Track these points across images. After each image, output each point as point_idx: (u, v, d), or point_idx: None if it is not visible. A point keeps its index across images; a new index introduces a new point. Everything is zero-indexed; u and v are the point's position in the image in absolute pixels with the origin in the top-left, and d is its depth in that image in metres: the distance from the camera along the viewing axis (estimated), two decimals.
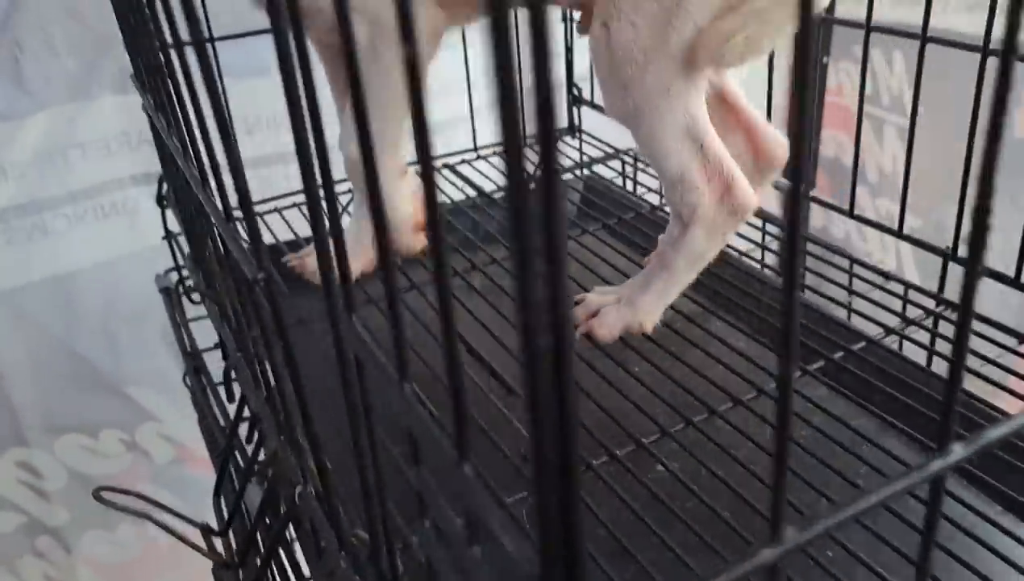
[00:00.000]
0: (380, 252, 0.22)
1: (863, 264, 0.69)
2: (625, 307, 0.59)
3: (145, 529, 1.15)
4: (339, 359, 0.29)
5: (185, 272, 0.83)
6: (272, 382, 0.45)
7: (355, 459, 0.31)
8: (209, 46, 0.43)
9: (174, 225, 0.81)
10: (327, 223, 0.27)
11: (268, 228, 0.79)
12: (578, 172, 0.94)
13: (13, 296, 0.99)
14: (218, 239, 0.40)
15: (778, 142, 0.62)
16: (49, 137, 0.97)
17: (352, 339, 0.27)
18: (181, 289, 0.84)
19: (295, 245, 0.77)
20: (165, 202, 0.78)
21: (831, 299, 0.67)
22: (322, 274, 0.28)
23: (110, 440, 1.09)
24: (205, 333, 0.79)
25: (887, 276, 0.67)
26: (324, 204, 0.27)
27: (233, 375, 0.58)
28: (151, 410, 1.10)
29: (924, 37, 0.57)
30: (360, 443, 0.30)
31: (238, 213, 0.35)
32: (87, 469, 1.08)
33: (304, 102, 0.25)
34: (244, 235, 0.34)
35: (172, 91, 0.39)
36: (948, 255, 0.58)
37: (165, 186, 0.77)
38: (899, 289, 0.63)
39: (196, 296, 0.82)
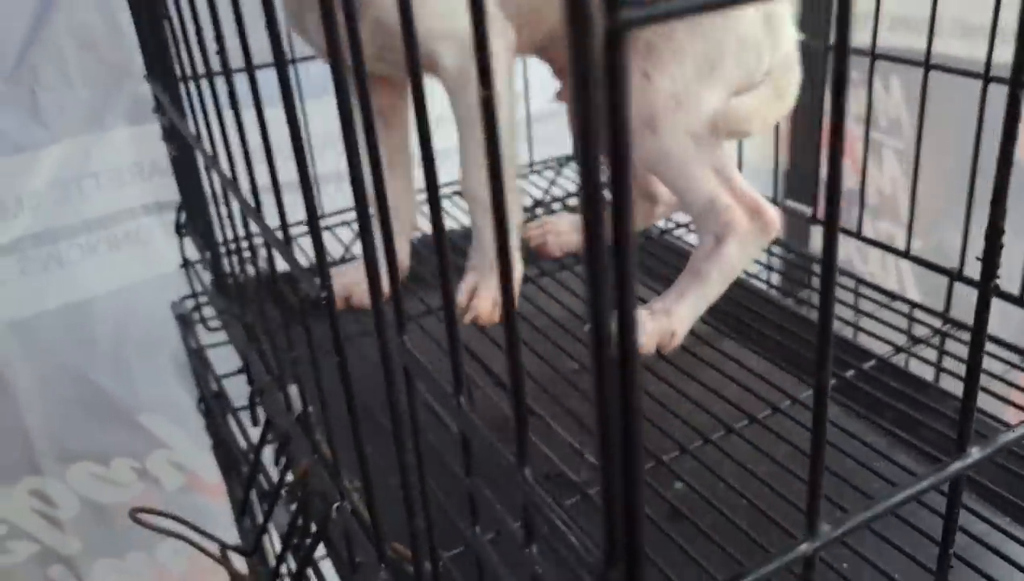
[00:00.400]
0: (442, 278, 0.24)
1: (868, 284, 0.71)
2: (661, 316, 0.61)
3: (155, 557, 1.16)
4: (387, 375, 0.30)
5: (202, 299, 0.85)
6: (307, 403, 0.47)
7: (400, 473, 0.32)
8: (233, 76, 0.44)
9: (190, 253, 0.83)
10: (379, 243, 0.28)
11: (301, 250, 0.81)
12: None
13: (28, 325, 1.00)
14: (263, 261, 0.41)
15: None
16: (64, 167, 0.99)
17: (402, 353, 0.28)
18: (198, 316, 0.85)
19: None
20: (183, 230, 0.80)
21: (838, 318, 0.69)
22: (371, 291, 0.29)
23: (121, 468, 1.10)
24: (220, 360, 0.80)
25: (892, 296, 0.69)
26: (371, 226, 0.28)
27: (258, 399, 0.60)
28: (162, 438, 1.11)
29: (927, 65, 0.59)
30: (406, 457, 0.31)
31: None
32: (99, 497, 1.09)
33: (363, 137, 0.26)
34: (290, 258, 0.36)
35: (218, 118, 0.40)
36: (954, 275, 0.60)
37: (183, 215, 0.79)
38: (904, 308, 0.65)
39: (213, 323, 0.83)
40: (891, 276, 1.64)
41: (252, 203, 0.39)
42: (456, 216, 0.88)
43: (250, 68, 0.37)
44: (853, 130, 1.66)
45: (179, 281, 1.01)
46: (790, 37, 0.61)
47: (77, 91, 0.98)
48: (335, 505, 0.40)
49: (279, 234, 0.35)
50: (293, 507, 0.51)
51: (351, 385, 0.35)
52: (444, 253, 0.26)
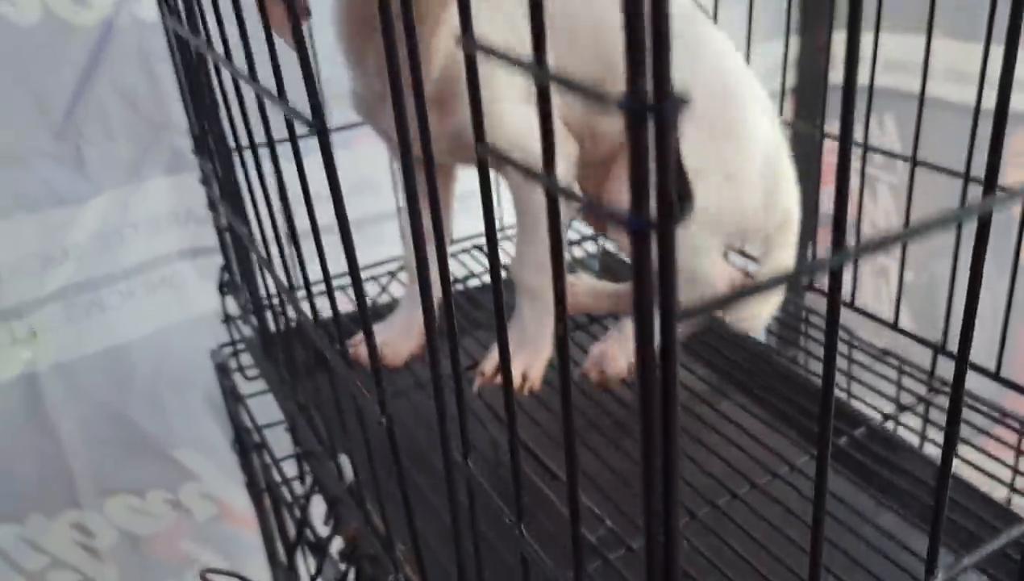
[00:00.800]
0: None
1: (861, 347, 0.77)
2: (626, 341, 0.68)
3: None
4: (450, 495, 0.36)
5: (240, 346, 0.90)
6: (358, 473, 0.52)
7: (454, 538, 0.38)
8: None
9: (231, 308, 0.89)
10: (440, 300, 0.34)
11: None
12: (595, 247, 1.03)
13: (71, 368, 1.06)
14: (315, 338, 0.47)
15: None
16: (106, 218, 1.05)
17: (465, 472, 0.35)
18: (236, 364, 0.91)
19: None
20: (225, 289, 0.86)
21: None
22: (439, 416, 0.35)
23: (156, 500, 1.16)
24: (258, 407, 0.86)
25: (885, 352, 0.75)
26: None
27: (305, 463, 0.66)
28: (194, 470, 1.17)
29: (921, 101, 0.65)
30: (459, 525, 0.37)
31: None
32: (135, 528, 1.15)
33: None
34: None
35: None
36: (938, 348, 0.66)
37: (227, 275, 0.85)
38: (893, 373, 0.71)
39: (251, 372, 0.89)
40: (885, 306, 1.71)
41: (289, 282, 0.46)
42: (472, 267, 0.95)
43: (294, 139, 0.41)
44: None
45: (212, 322, 1.08)
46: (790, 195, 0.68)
47: (119, 145, 1.04)
48: (389, 579, 0.46)
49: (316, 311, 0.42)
50: (341, 565, 0.57)
51: (402, 468, 0.41)
52: (511, 410, 0.32)
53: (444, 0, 0.54)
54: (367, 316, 0.40)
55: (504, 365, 0.32)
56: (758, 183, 0.64)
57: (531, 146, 0.61)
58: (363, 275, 0.93)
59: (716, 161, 0.62)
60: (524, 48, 0.22)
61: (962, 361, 0.34)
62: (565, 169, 0.61)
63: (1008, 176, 1.27)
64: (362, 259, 0.94)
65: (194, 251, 1.11)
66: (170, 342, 1.12)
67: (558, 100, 0.59)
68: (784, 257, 0.68)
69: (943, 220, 0.23)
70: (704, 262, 0.65)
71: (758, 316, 0.68)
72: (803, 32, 1.41)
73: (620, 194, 0.64)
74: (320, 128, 0.36)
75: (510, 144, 0.57)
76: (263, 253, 0.57)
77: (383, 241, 1.10)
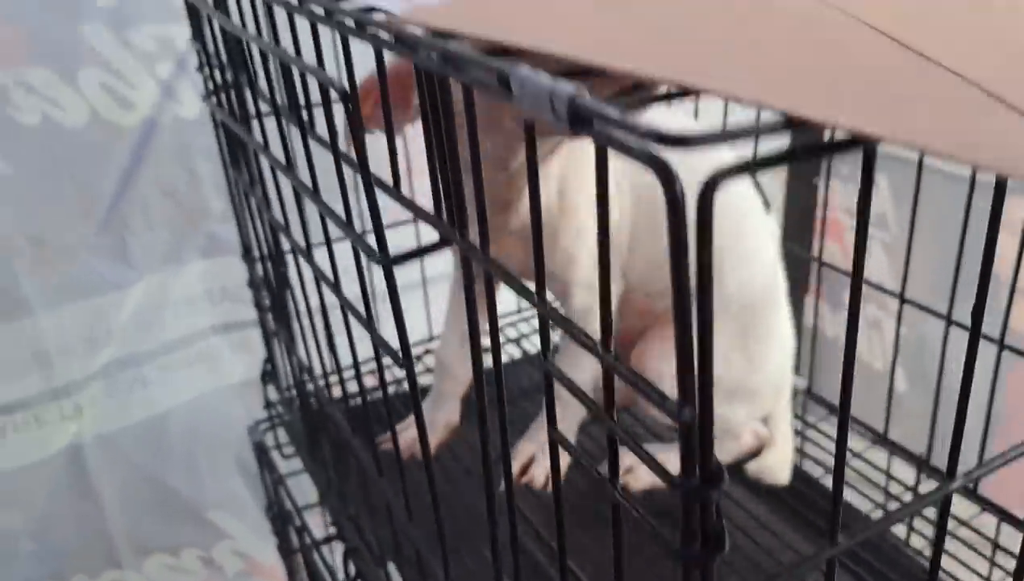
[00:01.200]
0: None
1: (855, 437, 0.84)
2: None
3: None
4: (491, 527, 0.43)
5: (277, 421, 0.97)
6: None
7: None
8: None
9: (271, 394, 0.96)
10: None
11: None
12: None
13: (112, 438, 1.13)
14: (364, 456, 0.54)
15: None
16: (147, 300, 1.12)
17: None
18: (273, 441, 0.98)
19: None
20: (267, 378, 0.93)
21: (819, 463, 0.83)
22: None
23: (190, 558, 1.23)
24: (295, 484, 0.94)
25: (876, 434, 0.82)
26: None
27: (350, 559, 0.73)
28: (226, 529, 1.24)
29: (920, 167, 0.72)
30: None
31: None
32: None
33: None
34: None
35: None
36: (922, 461, 0.73)
37: (270, 365, 0.92)
38: (881, 475, 0.78)
39: (287, 450, 0.97)
40: (878, 361, 1.78)
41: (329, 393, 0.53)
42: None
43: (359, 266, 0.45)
44: (844, 221, 1.81)
45: (243, 390, 1.16)
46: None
47: (159, 233, 1.11)
48: None
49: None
50: None
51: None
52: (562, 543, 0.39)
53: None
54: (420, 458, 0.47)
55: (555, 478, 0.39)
56: (775, 372, 0.74)
57: (594, 282, 0.71)
58: (391, 362, 1.01)
59: (741, 354, 0.71)
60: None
61: (942, 515, 0.41)
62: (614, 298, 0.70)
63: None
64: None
65: (227, 326, 1.19)
66: (205, 410, 1.19)
67: (622, 248, 0.68)
68: (785, 425, 0.78)
69: (908, 509, 0.30)
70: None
71: (782, 467, 0.76)
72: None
73: (651, 362, 0.72)
74: (386, 263, 0.37)
75: (579, 279, 0.67)
76: (305, 361, 0.65)
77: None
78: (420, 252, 0.34)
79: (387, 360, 0.47)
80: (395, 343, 0.42)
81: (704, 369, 0.23)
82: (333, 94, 0.38)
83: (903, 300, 0.75)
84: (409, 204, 0.37)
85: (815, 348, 0.90)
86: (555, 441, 0.37)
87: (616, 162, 0.24)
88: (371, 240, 0.38)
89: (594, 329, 0.63)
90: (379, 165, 0.41)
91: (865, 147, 0.25)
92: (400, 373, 1.01)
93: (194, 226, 1.13)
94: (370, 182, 0.37)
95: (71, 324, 1.07)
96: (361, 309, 0.45)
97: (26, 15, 0.96)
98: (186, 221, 1.12)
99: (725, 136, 0.22)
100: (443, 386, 0.84)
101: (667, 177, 0.21)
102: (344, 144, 0.46)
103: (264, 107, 0.50)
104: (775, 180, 1.49)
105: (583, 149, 0.64)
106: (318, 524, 0.94)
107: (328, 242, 0.46)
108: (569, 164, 0.65)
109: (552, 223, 0.65)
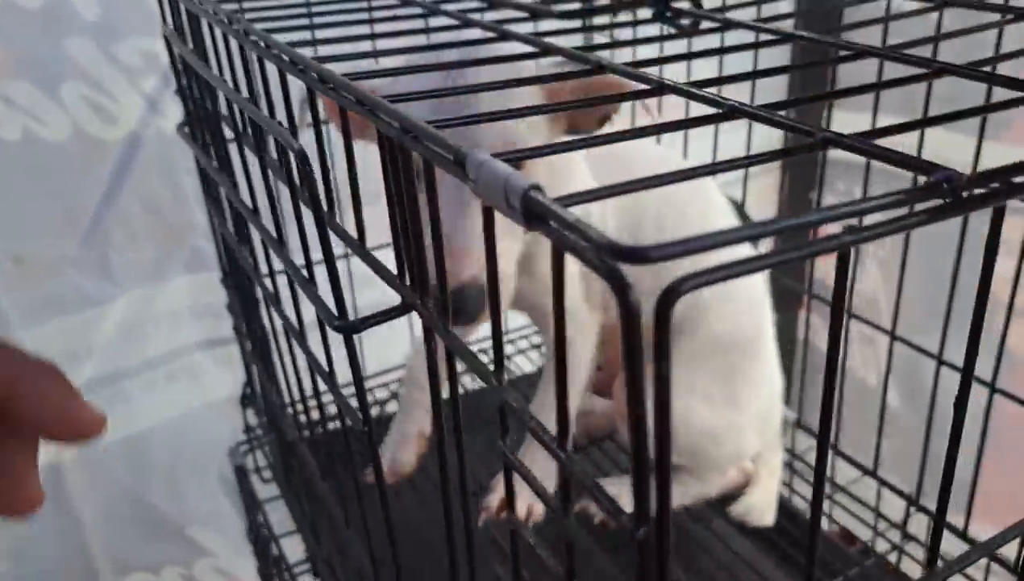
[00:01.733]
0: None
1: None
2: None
3: None
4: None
5: (256, 443, 0.96)
6: None
7: None
8: None
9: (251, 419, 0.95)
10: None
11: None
12: None
13: (93, 456, 1.11)
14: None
15: None
16: (129, 316, 1.10)
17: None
18: (253, 464, 0.97)
19: None
20: (247, 402, 0.92)
21: (805, 499, 0.82)
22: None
23: (171, 575, 1.22)
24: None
25: (864, 471, 0.81)
26: None
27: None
28: (207, 547, 1.23)
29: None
30: None
31: None
32: None
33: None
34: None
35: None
36: (912, 501, 0.72)
37: (249, 390, 0.91)
38: (871, 519, 0.77)
39: (266, 474, 0.95)
40: (872, 377, 1.77)
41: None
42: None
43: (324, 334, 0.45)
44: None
45: (226, 407, 1.14)
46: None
47: (143, 249, 1.10)
48: None
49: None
50: None
51: None
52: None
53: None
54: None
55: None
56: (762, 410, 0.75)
57: (575, 314, 0.68)
58: (374, 382, 1.00)
59: (727, 393, 0.71)
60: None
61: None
62: (587, 344, 0.69)
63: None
64: (372, 361, 1.01)
65: (211, 342, 1.17)
66: (188, 427, 1.18)
67: (580, 285, 0.67)
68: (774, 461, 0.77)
69: None
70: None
71: (767, 507, 0.75)
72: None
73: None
74: (344, 328, 0.36)
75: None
76: (286, 396, 0.63)
77: (393, 342, 1.15)
78: (381, 316, 0.32)
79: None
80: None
81: (662, 486, 0.22)
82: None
83: (894, 337, 0.73)
84: (373, 263, 0.36)
85: (804, 378, 0.89)
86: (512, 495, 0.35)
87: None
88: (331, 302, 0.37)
89: (576, 362, 0.62)
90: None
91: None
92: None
93: (178, 241, 1.11)
94: (329, 248, 0.36)
95: (52, 340, 1.05)
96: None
97: (7, 28, 0.95)
98: (170, 236, 1.11)
99: (688, 244, 0.20)
100: (412, 395, 0.83)
101: (621, 288, 0.20)
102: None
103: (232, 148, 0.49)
104: (768, 199, 1.48)
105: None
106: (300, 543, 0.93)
107: (294, 296, 0.44)
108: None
109: (530, 249, 0.64)
